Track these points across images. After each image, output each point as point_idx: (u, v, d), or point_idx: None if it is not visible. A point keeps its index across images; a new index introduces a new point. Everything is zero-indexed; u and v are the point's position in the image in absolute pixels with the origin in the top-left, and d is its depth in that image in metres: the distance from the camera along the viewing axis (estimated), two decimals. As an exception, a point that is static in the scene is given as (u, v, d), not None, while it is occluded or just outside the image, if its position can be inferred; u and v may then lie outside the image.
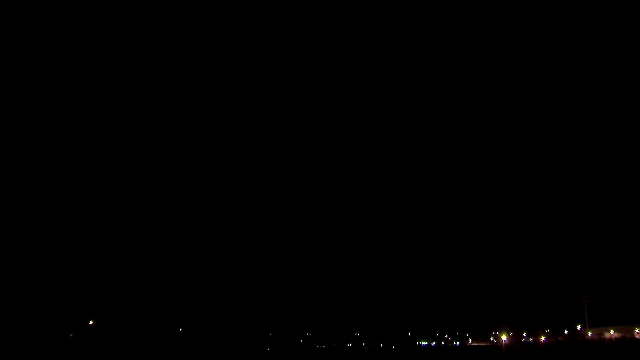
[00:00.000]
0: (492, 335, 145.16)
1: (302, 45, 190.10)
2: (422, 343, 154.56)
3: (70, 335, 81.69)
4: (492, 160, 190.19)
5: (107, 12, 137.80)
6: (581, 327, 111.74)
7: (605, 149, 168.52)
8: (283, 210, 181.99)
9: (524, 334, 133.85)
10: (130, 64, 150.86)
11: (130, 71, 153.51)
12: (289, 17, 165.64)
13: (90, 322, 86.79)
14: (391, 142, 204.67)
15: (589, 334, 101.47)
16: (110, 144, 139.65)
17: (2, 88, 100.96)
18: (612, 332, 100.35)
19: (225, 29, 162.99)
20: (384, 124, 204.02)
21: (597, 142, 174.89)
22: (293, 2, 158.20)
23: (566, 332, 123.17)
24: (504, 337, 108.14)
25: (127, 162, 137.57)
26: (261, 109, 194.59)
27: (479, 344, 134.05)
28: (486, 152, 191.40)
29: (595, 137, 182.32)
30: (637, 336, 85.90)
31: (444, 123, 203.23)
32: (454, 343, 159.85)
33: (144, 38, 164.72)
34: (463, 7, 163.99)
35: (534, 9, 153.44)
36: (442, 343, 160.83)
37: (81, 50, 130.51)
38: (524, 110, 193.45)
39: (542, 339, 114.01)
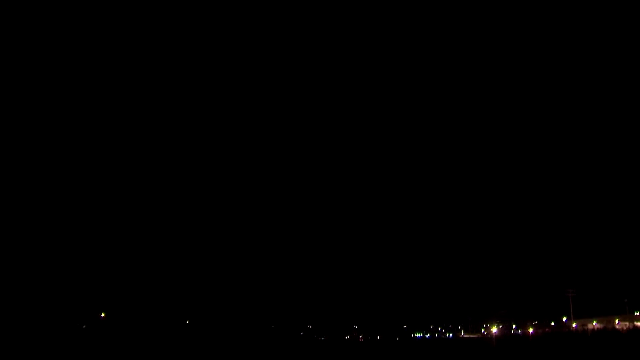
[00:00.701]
0: (483, 328, 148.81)
1: (302, 45, 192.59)
2: (417, 335, 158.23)
3: (84, 326, 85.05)
4: (481, 158, 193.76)
5: (107, 12, 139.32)
6: (566, 318, 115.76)
7: (589, 149, 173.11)
8: (284, 208, 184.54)
9: (513, 326, 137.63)
10: (130, 63, 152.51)
11: (130, 71, 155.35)
12: (289, 17, 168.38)
13: (102, 315, 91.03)
14: (384, 138, 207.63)
15: (574, 325, 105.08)
16: (126, 143, 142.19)
17: (2, 88, 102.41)
18: (594, 323, 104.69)
19: (225, 29, 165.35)
20: (380, 122, 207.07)
21: (581, 141, 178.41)
22: (293, 2, 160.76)
23: (553, 323, 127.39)
24: (494, 329, 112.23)
25: (138, 162, 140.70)
26: (261, 109, 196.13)
27: (471, 336, 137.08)
28: (476, 149, 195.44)
29: (581, 135, 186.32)
30: (617, 326, 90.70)
31: (430, 121, 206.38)
32: (447, 335, 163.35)
33: (144, 38, 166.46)
34: (463, 7, 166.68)
35: (534, 9, 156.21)
36: (436, 335, 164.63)
37: (81, 50, 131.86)
38: (506, 108, 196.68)
39: (530, 330, 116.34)
